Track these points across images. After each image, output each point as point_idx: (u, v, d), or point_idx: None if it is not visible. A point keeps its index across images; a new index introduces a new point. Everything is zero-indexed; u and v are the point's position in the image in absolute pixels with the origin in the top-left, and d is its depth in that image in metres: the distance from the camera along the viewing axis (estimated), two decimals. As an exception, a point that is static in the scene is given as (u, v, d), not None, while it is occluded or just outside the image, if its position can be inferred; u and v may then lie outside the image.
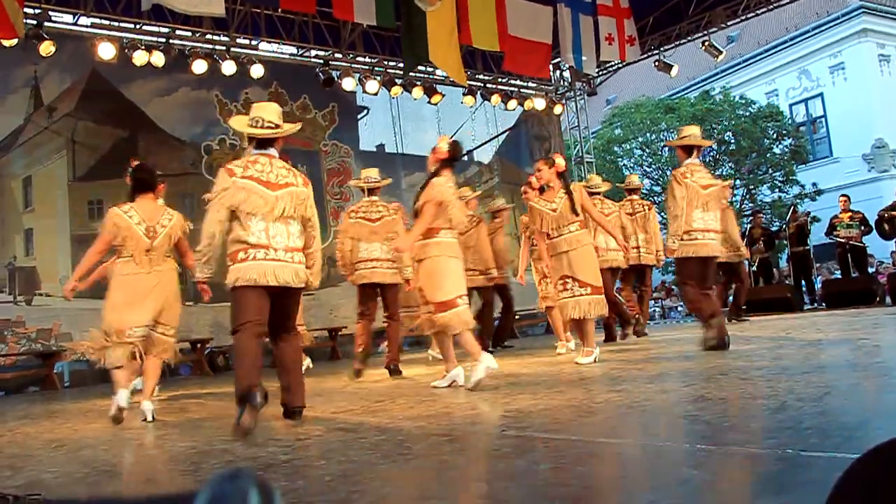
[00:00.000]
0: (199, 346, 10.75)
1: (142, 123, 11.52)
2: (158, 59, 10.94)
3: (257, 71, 11.77)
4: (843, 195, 13.91)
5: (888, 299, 12.09)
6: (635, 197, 9.76)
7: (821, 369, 4.15)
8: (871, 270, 14.27)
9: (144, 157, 11.30)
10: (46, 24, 10.26)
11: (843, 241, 13.00)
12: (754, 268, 13.41)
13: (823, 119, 26.61)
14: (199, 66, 11.36)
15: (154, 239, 5.06)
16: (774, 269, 16.01)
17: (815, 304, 13.74)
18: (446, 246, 5.43)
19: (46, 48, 10.04)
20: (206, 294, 4.48)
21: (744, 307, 11.02)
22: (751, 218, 14.46)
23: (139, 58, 10.78)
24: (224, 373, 10.44)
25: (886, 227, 12.96)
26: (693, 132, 6.82)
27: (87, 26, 10.95)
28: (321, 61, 12.84)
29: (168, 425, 4.59)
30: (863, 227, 13.30)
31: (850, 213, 13.31)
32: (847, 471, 0.80)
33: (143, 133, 11.53)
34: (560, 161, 6.73)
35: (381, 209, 6.98)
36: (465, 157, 14.90)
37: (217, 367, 10.94)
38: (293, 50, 13.13)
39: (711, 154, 24.06)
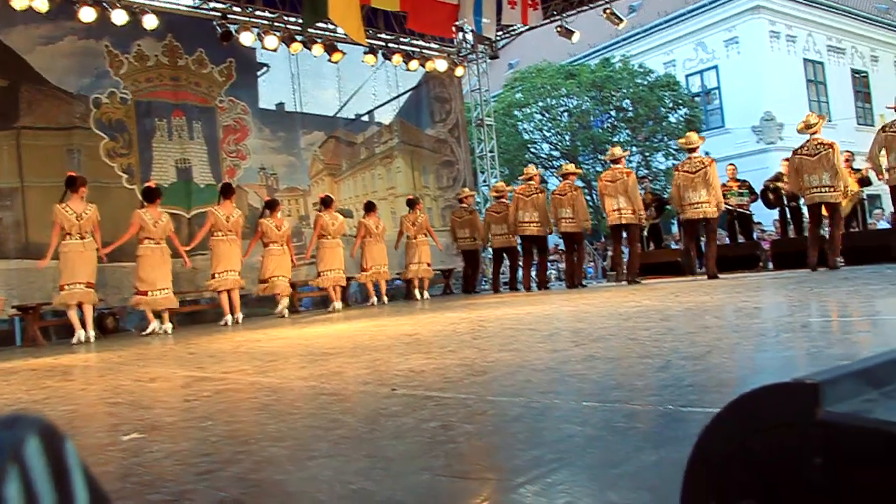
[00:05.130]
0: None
1: (24, 73, 10.77)
2: (41, 4, 10.28)
3: (150, 21, 11.21)
4: (730, 164, 14.45)
5: (770, 264, 12.66)
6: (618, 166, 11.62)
7: (705, 330, 4.31)
8: (755, 237, 14.86)
9: (27, 108, 10.73)
10: None
11: (731, 208, 13.49)
12: (645, 233, 13.82)
13: (717, 90, 27.50)
14: (87, 14, 10.76)
15: None
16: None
17: (705, 269, 14.24)
18: None
19: None
20: None
21: (637, 271, 11.40)
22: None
23: (19, 1, 10.12)
24: (113, 335, 10.10)
25: (771, 196, 13.55)
26: None
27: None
28: (219, 14, 12.40)
29: (49, 389, 4.41)
30: (750, 196, 13.87)
31: (737, 182, 13.84)
32: (713, 419, 0.84)
33: (26, 83, 10.79)
34: None
35: None
36: (366, 117, 14.71)
37: (107, 329, 10.56)
38: (189, 1, 12.60)
39: (609, 121, 24.56)
